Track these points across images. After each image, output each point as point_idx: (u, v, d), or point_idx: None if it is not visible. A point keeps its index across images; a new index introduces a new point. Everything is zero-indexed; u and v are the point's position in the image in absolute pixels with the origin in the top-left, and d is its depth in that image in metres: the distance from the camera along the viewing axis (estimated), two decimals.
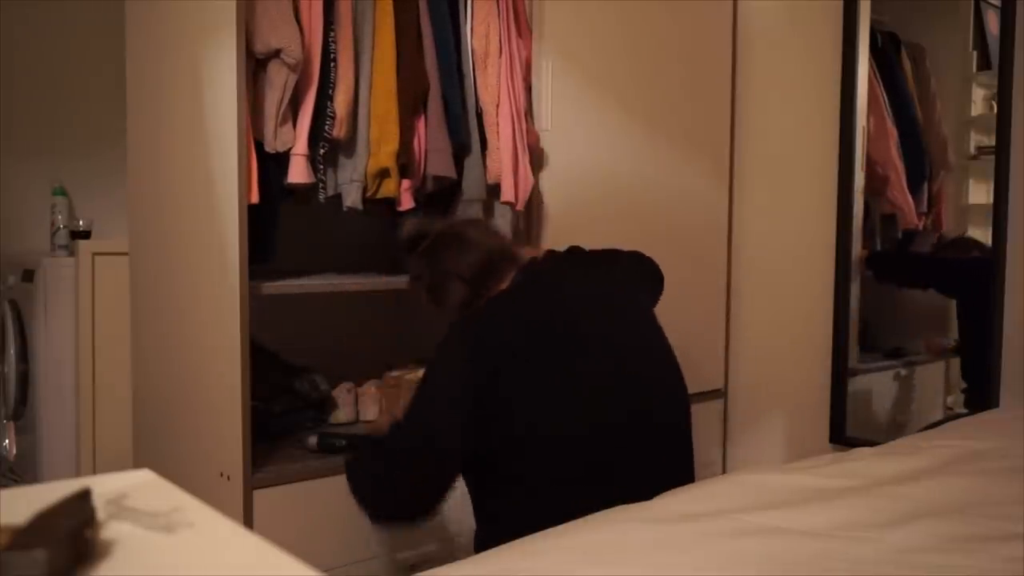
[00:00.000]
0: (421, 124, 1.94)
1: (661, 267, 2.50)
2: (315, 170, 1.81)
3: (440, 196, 2.05)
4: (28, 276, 2.52)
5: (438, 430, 1.47)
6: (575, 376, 1.52)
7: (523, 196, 2.05)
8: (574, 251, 1.77)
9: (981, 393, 2.19)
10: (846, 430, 2.47)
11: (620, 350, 1.58)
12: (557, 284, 1.63)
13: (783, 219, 2.64)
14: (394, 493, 1.50)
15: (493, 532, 1.51)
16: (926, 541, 1.10)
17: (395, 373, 2.14)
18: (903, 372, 2.53)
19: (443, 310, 1.66)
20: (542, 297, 1.59)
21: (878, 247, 2.51)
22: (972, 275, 2.30)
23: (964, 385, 2.35)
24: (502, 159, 2.01)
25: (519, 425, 1.48)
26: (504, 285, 1.60)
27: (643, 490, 1.35)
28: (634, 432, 1.54)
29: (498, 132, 2.02)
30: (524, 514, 1.43)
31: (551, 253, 1.74)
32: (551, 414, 1.49)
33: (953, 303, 2.41)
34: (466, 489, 1.58)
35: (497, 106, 2.03)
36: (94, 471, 2.41)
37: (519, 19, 2.10)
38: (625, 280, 1.75)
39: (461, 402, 1.46)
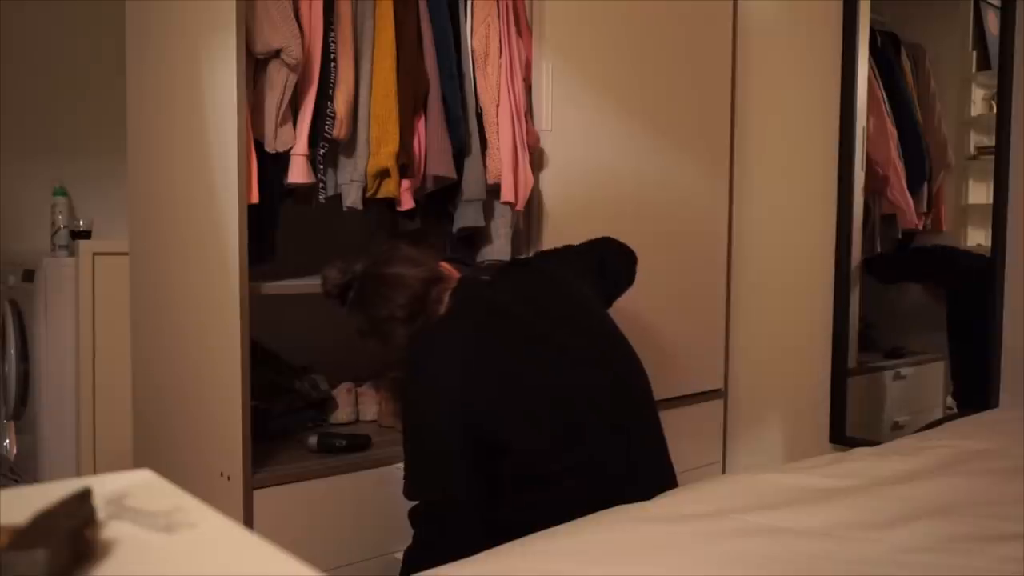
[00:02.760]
0: (421, 124, 1.94)
1: (661, 267, 2.51)
2: (315, 170, 1.81)
3: (440, 196, 2.05)
4: (28, 276, 2.52)
5: (446, 482, 1.49)
6: (531, 381, 1.53)
7: (523, 196, 2.05)
8: (508, 263, 1.79)
9: (975, 392, 2.19)
10: (846, 430, 2.47)
11: (567, 345, 1.59)
12: (491, 298, 1.63)
13: (783, 219, 2.64)
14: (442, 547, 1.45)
15: (491, 534, 1.51)
16: (926, 541, 1.10)
17: (395, 373, 2.14)
18: (903, 372, 2.53)
19: (392, 349, 1.66)
20: (481, 316, 1.59)
21: (878, 247, 2.51)
22: (967, 267, 2.31)
23: (952, 388, 2.36)
24: (502, 159, 2.01)
25: (512, 427, 1.50)
26: (442, 308, 1.60)
27: (629, 477, 1.38)
28: (610, 424, 1.56)
29: (498, 132, 2.02)
30: (518, 514, 1.44)
31: (477, 267, 1.74)
32: (537, 412, 1.51)
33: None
34: None
35: (497, 106, 2.03)
36: (94, 471, 2.41)
37: (519, 19, 2.10)
38: (562, 276, 1.74)
39: (453, 450, 1.47)
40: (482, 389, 1.49)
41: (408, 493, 1.53)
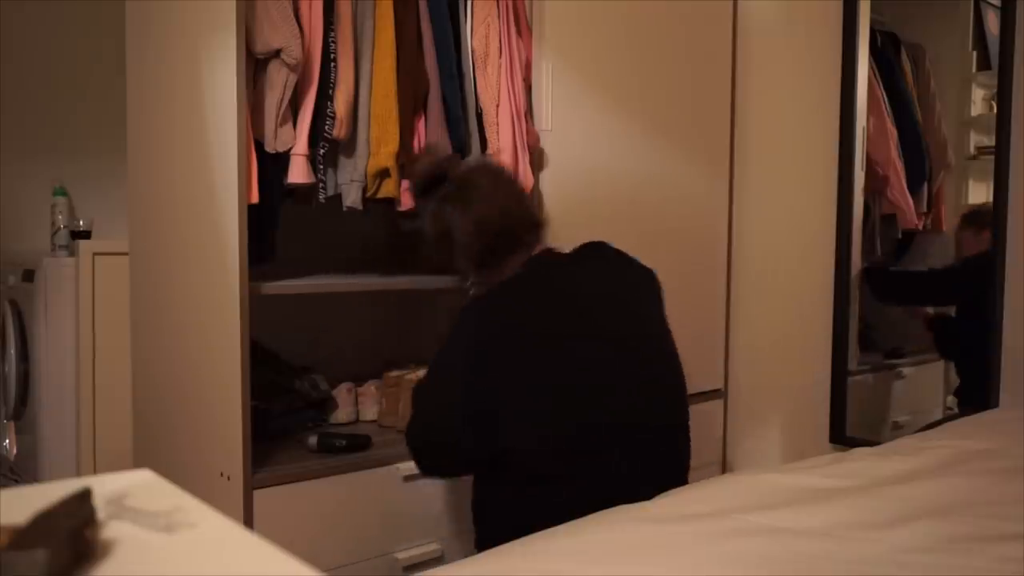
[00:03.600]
0: (421, 124, 1.94)
1: (661, 267, 2.50)
2: (315, 170, 1.81)
3: None
4: (28, 276, 2.52)
5: (448, 411, 1.53)
6: (573, 375, 1.53)
7: None
8: (591, 246, 1.75)
9: (978, 391, 2.19)
10: (846, 430, 2.47)
11: (624, 350, 1.59)
12: (567, 277, 1.63)
13: (783, 219, 2.64)
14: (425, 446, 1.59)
15: (490, 531, 1.52)
16: (926, 541, 1.10)
17: (395, 373, 2.14)
18: (903, 372, 2.53)
19: (435, 260, 1.72)
20: (548, 291, 1.60)
21: (878, 248, 2.51)
22: (967, 277, 2.31)
23: (957, 383, 2.36)
24: (502, 160, 2.01)
25: (515, 423, 1.49)
26: (511, 267, 1.63)
27: (635, 488, 1.36)
28: (629, 432, 1.55)
29: (498, 133, 2.02)
30: (519, 511, 1.45)
31: (560, 251, 1.72)
32: (545, 413, 1.50)
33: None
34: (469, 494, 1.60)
35: (497, 106, 2.03)
36: (94, 471, 2.41)
37: (519, 19, 2.10)
38: (637, 284, 1.74)
39: (462, 396, 1.51)
40: (510, 364, 1.50)
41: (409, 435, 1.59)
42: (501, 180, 1.68)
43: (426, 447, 1.59)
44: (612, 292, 1.65)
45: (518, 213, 1.65)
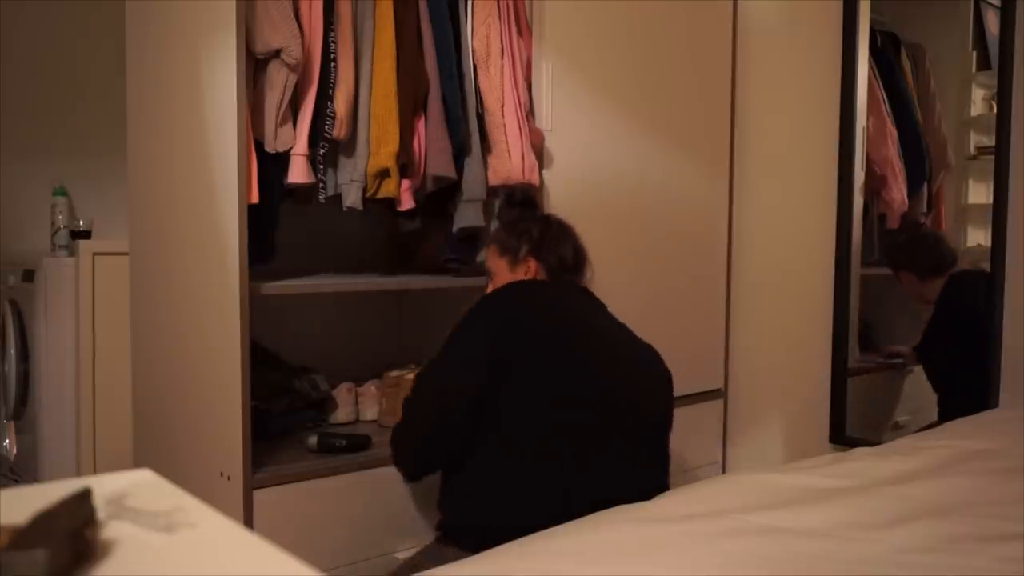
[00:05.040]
0: (421, 124, 1.93)
1: (661, 267, 2.52)
2: (315, 170, 1.81)
3: (440, 196, 2.05)
4: (28, 276, 2.52)
5: (454, 385, 1.55)
6: (573, 374, 1.56)
7: None
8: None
9: (960, 400, 2.19)
10: (846, 430, 2.47)
11: (621, 369, 1.64)
12: (586, 303, 1.74)
13: (783, 219, 2.64)
14: (412, 441, 1.62)
15: (459, 519, 1.58)
16: (926, 541, 1.10)
17: (395, 373, 2.14)
18: (903, 372, 2.53)
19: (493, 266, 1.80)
20: (569, 301, 1.70)
21: (877, 248, 2.51)
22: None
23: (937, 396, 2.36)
24: (512, 162, 2.01)
25: (508, 406, 1.52)
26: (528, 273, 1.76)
27: (612, 486, 1.43)
28: (614, 435, 1.58)
29: (505, 133, 2.02)
30: (493, 500, 1.51)
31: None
32: (540, 404, 1.53)
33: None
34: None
35: (503, 106, 2.02)
36: (94, 471, 2.41)
37: (519, 19, 2.10)
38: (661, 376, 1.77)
39: (475, 364, 1.54)
40: (520, 350, 1.54)
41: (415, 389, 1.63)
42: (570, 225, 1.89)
43: (418, 432, 1.60)
44: (620, 332, 1.74)
45: (585, 253, 1.86)
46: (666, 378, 1.71)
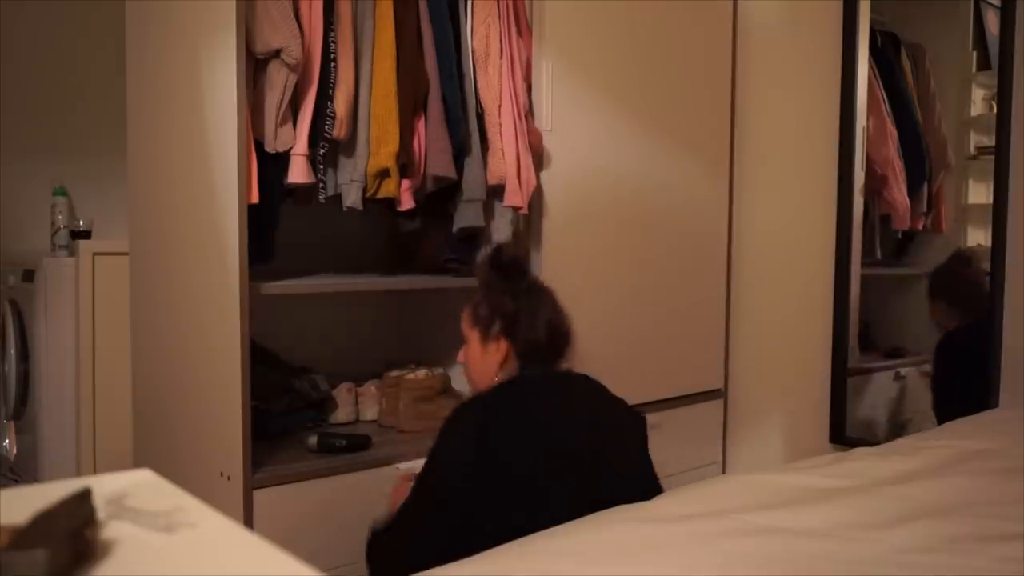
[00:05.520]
0: (421, 124, 1.93)
1: (661, 267, 2.51)
2: (315, 170, 1.81)
3: (440, 196, 2.05)
4: (28, 276, 2.52)
5: (429, 537, 1.44)
6: (551, 480, 1.48)
7: (527, 197, 2.05)
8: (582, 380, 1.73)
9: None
10: (846, 430, 2.47)
11: (598, 471, 1.55)
12: (562, 393, 1.62)
13: (783, 219, 2.64)
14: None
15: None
16: (926, 541, 1.10)
17: (395, 373, 2.14)
18: (903, 372, 2.53)
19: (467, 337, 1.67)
20: (546, 400, 1.57)
21: (877, 249, 2.51)
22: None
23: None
24: (506, 161, 2.01)
25: (480, 528, 1.39)
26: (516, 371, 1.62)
27: None
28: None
29: (501, 133, 2.02)
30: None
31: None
32: (517, 510, 1.43)
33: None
34: None
35: (499, 107, 2.02)
36: (94, 471, 2.41)
37: (519, 19, 2.10)
38: (623, 427, 1.70)
39: (450, 508, 1.43)
40: (500, 458, 1.44)
41: (399, 520, 1.50)
42: (557, 300, 1.73)
43: (396, 570, 1.43)
44: (596, 428, 1.62)
45: (568, 332, 1.69)
46: (637, 448, 1.64)
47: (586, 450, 1.55)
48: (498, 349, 1.63)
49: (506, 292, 1.66)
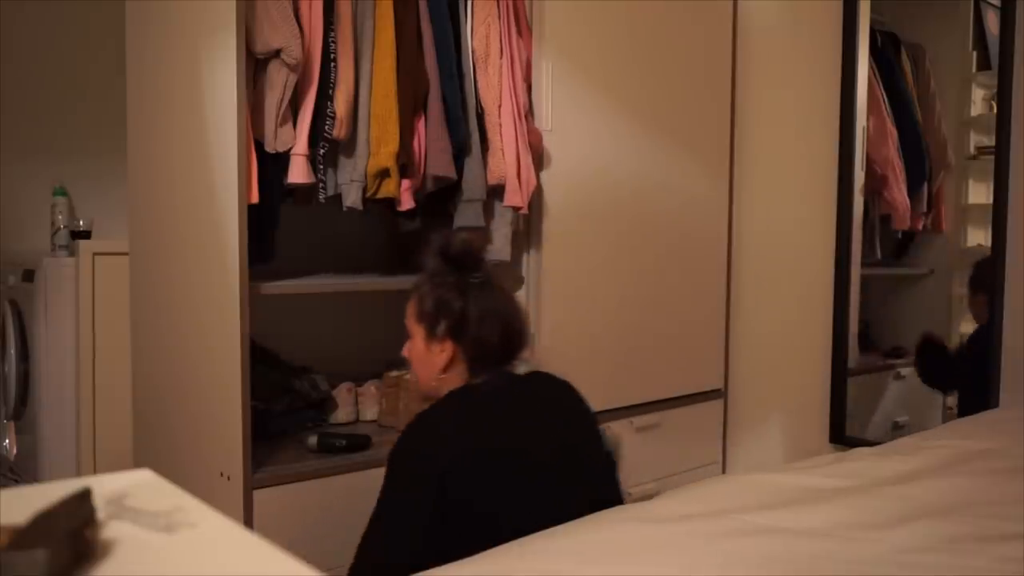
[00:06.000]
0: (421, 124, 1.93)
1: (661, 267, 2.51)
2: (315, 170, 1.81)
3: (440, 196, 2.05)
4: (28, 276, 2.52)
5: (395, 559, 1.37)
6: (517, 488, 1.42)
7: (527, 197, 2.05)
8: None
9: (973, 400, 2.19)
10: (846, 430, 2.47)
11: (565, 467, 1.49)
12: (526, 404, 1.53)
13: (783, 219, 2.64)
14: None
15: None
16: (926, 541, 1.10)
17: (395, 373, 2.14)
18: (903, 372, 2.53)
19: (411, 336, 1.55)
20: (508, 418, 1.49)
21: (878, 249, 2.51)
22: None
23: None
24: (506, 161, 2.01)
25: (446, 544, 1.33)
26: (474, 379, 1.51)
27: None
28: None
29: (501, 133, 2.02)
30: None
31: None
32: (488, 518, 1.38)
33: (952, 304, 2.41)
34: None
35: (499, 107, 2.02)
36: (94, 471, 2.41)
37: (519, 19, 2.10)
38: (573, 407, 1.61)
39: (416, 523, 1.37)
40: (459, 475, 1.37)
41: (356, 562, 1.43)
42: (512, 296, 1.60)
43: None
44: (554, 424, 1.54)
45: (521, 332, 1.56)
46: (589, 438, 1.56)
47: (558, 464, 1.47)
48: (443, 350, 1.50)
49: (455, 287, 1.50)
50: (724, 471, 2.74)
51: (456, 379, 1.52)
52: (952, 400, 2.41)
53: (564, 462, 1.49)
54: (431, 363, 1.52)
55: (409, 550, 1.36)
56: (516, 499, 1.41)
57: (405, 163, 1.89)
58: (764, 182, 2.68)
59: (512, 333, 1.53)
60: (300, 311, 2.20)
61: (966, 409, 2.26)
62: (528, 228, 2.16)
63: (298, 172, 1.77)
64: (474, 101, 2.02)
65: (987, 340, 2.18)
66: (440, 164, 1.94)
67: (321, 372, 2.15)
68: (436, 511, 1.35)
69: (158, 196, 2.01)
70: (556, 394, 1.58)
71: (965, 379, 2.35)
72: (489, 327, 1.49)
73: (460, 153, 1.99)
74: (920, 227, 2.45)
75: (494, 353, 1.51)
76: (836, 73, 2.46)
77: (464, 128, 1.99)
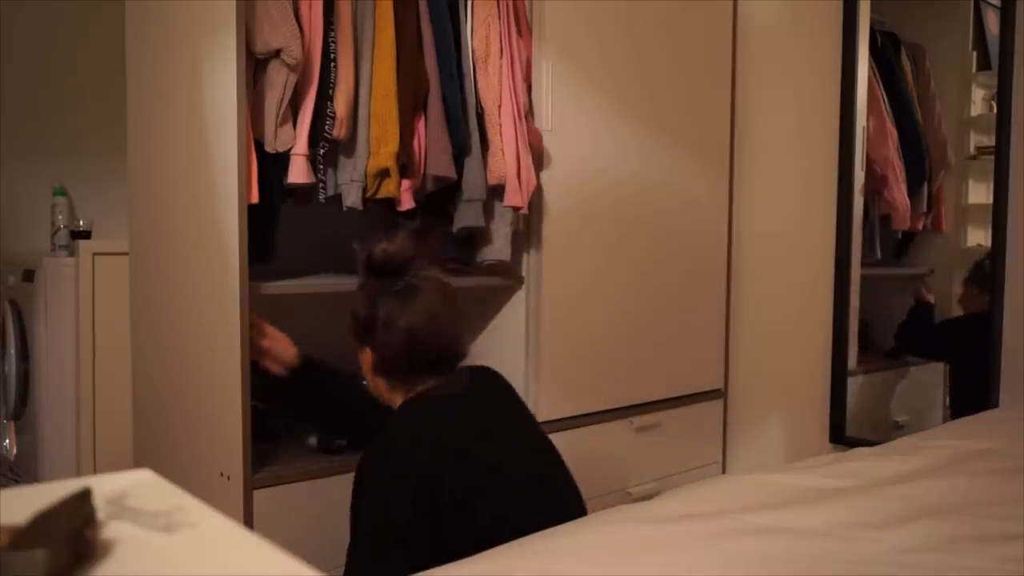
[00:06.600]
0: (421, 124, 1.93)
1: (661, 267, 2.51)
2: (315, 170, 1.81)
3: (440, 196, 2.05)
4: (28, 276, 2.52)
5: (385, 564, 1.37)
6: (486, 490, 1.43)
7: (527, 198, 2.05)
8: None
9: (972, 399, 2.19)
10: (846, 430, 2.47)
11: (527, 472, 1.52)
12: (478, 403, 1.55)
13: (783, 219, 2.64)
14: None
15: None
16: (926, 541, 1.10)
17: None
18: (903, 372, 2.53)
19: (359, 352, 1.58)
20: (465, 415, 1.49)
21: (877, 249, 2.51)
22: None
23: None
24: (506, 161, 2.01)
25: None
26: (429, 384, 1.52)
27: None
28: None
29: (501, 133, 2.02)
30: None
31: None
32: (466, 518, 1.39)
33: (952, 303, 2.41)
34: None
35: (499, 107, 2.02)
36: (94, 471, 2.41)
37: (519, 19, 2.10)
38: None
39: (401, 532, 1.37)
40: (438, 481, 1.37)
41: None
42: (448, 302, 1.56)
43: None
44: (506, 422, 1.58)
45: (450, 341, 1.55)
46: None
47: (520, 448, 1.53)
48: (364, 357, 1.55)
49: (369, 295, 1.52)
50: (724, 471, 2.74)
51: (399, 389, 1.54)
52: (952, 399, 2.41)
53: (525, 447, 1.55)
54: (365, 369, 1.59)
55: (400, 548, 1.36)
56: (493, 488, 1.42)
57: (405, 163, 1.89)
58: (764, 182, 2.68)
59: (423, 345, 1.49)
60: (300, 311, 2.20)
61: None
62: (528, 228, 2.16)
63: (298, 172, 1.77)
64: (474, 101, 2.02)
65: (985, 331, 2.19)
66: (440, 164, 1.94)
67: None
68: (416, 507, 1.35)
69: (158, 196, 2.01)
70: (498, 384, 1.64)
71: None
72: (393, 337, 1.48)
73: (460, 153, 1.99)
74: (920, 227, 2.45)
75: (400, 365, 1.50)
76: (836, 73, 2.46)
77: (464, 128, 1.99)
